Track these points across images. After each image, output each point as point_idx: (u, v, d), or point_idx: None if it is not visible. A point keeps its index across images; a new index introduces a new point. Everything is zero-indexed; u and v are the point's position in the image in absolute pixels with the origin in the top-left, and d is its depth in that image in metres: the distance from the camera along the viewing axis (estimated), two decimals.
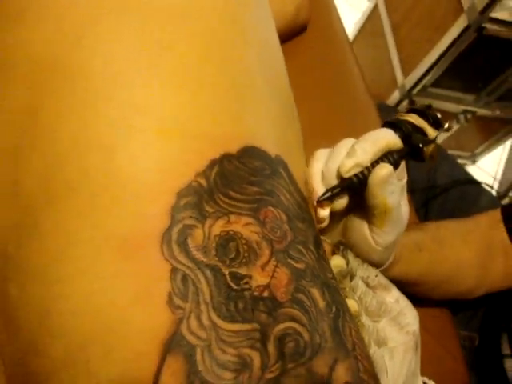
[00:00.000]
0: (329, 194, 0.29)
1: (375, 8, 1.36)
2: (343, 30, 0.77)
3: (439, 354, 0.55)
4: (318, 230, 0.25)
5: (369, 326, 0.30)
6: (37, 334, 0.18)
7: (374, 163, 0.30)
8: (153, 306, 0.17)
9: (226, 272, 0.18)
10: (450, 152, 1.53)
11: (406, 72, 1.16)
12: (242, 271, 0.18)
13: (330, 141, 0.65)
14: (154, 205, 0.18)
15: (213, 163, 0.19)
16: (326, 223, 0.30)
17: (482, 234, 0.56)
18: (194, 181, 0.19)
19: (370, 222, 0.32)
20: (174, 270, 0.17)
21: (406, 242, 0.46)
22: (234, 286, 0.18)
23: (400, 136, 0.32)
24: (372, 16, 1.39)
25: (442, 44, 1.03)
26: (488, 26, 0.96)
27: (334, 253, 0.33)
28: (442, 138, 1.41)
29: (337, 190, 0.29)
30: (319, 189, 0.31)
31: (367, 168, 0.30)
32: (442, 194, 0.72)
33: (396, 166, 0.31)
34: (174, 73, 0.20)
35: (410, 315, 0.32)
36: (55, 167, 0.19)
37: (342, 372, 0.18)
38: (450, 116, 1.28)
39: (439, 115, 0.35)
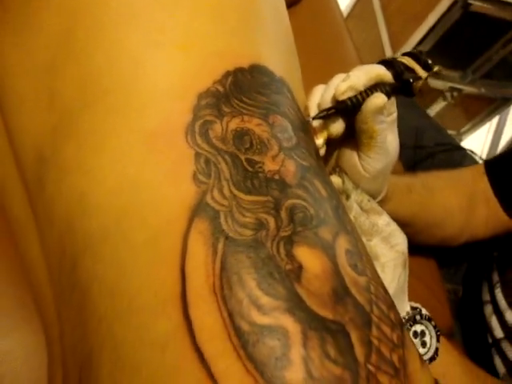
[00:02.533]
0: (324, 113, 0.31)
1: None
2: (336, 2, 0.80)
3: (426, 297, 0.59)
4: (317, 147, 0.28)
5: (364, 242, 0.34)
6: (73, 217, 0.21)
7: (368, 91, 0.33)
8: (180, 182, 0.19)
9: (243, 158, 0.21)
10: None
11: (395, 50, 1.19)
12: (256, 158, 0.21)
13: None
14: (177, 104, 0.21)
15: (228, 74, 0.22)
16: (322, 151, 0.33)
17: (467, 183, 0.60)
18: (213, 86, 0.22)
19: (359, 150, 0.35)
20: (197, 155, 0.20)
21: (398, 184, 0.50)
22: (250, 168, 0.20)
23: (392, 73, 0.35)
24: None
25: (429, 20, 1.06)
26: (473, 2, 1.00)
27: (330, 174, 0.36)
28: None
29: (332, 110, 0.32)
30: (313, 113, 0.33)
31: (361, 94, 0.32)
32: (428, 158, 0.76)
33: (388, 97, 0.33)
34: (188, 4, 0.23)
35: (399, 236, 0.36)
36: (90, 76, 0.22)
37: (343, 241, 0.21)
38: (437, 93, 1.32)
39: (430, 61, 0.38)
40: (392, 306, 0.21)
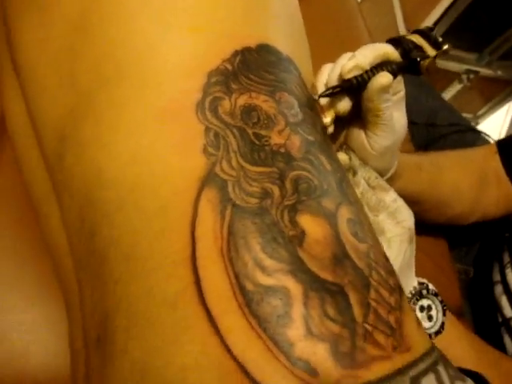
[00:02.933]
0: (330, 90, 0.32)
1: None
2: None
3: (435, 276, 0.59)
4: (323, 124, 0.29)
5: (369, 218, 0.35)
6: (91, 190, 0.22)
7: (374, 70, 0.33)
8: (190, 153, 0.21)
9: (250, 132, 0.22)
10: None
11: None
12: (263, 132, 0.22)
13: None
14: (188, 82, 0.22)
15: (236, 53, 0.23)
16: (330, 130, 0.33)
17: (478, 162, 0.60)
18: (222, 65, 0.23)
19: (366, 128, 0.36)
20: (207, 129, 0.21)
21: (408, 162, 0.50)
22: (257, 142, 0.22)
23: (400, 52, 0.35)
24: None
25: (443, 2, 1.05)
26: None
27: (337, 151, 0.37)
28: (445, 98, 1.44)
29: (337, 88, 0.32)
30: (320, 90, 0.34)
31: (367, 72, 0.32)
32: (440, 138, 0.75)
33: (394, 76, 0.34)
34: None
35: (405, 213, 0.37)
36: (106, 57, 0.23)
37: (345, 211, 0.22)
38: (453, 75, 1.30)
39: (440, 39, 0.38)
40: (391, 272, 0.22)
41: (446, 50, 0.40)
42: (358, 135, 0.37)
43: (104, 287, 0.21)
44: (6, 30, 0.28)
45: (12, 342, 0.39)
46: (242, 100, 0.23)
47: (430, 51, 0.37)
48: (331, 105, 0.34)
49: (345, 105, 0.33)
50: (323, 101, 0.33)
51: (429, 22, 1.10)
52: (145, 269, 0.19)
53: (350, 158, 0.36)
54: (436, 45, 0.38)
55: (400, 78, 0.36)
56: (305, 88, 0.27)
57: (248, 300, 0.18)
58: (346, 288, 0.19)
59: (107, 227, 0.21)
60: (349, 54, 0.35)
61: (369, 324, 0.18)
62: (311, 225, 0.20)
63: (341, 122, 0.36)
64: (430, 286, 0.41)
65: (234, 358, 0.17)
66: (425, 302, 0.41)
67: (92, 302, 0.22)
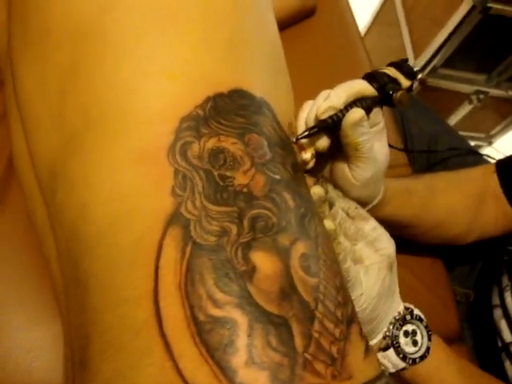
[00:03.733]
0: (306, 133, 0.34)
1: None
2: (351, 14, 0.81)
3: (431, 302, 0.60)
4: (297, 161, 0.30)
5: (346, 247, 0.36)
6: (76, 224, 0.25)
7: (348, 107, 0.35)
8: (160, 194, 0.23)
9: (216, 173, 0.24)
10: (465, 134, 1.55)
11: (417, 54, 1.19)
12: (228, 173, 0.24)
13: None
14: (163, 127, 0.24)
15: (208, 99, 0.25)
16: (311, 164, 0.36)
17: (476, 181, 0.60)
18: (194, 111, 0.25)
19: (348, 162, 0.38)
20: (176, 171, 0.23)
21: (398, 187, 0.52)
22: (221, 183, 0.23)
23: (375, 86, 0.37)
24: (386, 3, 1.42)
25: (449, 25, 1.06)
26: (493, 5, 0.99)
27: (315, 184, 0.39)
28: (456, 119, 1.44)
29: (314, 129, 0.34)
30: (300, 131, 0.36)
31: (341, 111, 0.34)
32: (441, 162, 0.76)
33: (368, 110, 0.36)
34: (179, 32, 0.26)
35: (385, 241, 0.38)
36: (92, 103, 0.25)
37: (301, 246, 0.24)
38: (463, 97, 1.31)
39: (415, 68, 0.41)
40: (341, 305, 0.23)
41: (421, 80, 0.42)
42: (341, 168, 0.39)
43: (85, 314, 0.23)
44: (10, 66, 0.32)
45: (16, 359, 0.42)
46: (211, 143, 0.24)
47: (404, 82, 0.39)
48: (311, 142, 0.36)
49: (323, 143, 0.36)
50: (302, 139, 0.35)
51: (435, 44, 1.11)
52: (118, 299, 0.22)
53: (327, 191, 0.38)
54: (410, 75, 0.40)
55: (377, 110, 0.37)
56: (278, 128, 0.29)
57: (199, 330, 0.20)
58: (290, 320, 0.21)
59: (89, 260, 0.23)
60: (325, 93, 0.37)
61: (309, 354, 0.20)
62: (263, 260, 0.22)
63: (323, 156, 0.38)
64: (416, 311, 0.42)
65: (185, 381, 0.19)
66: (409, 327, 0.42)
67: (76, 326, 0.25)
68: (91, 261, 0.23)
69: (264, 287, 0.21)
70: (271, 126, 0.28)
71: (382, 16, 1.46)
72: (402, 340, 0.41)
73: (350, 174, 0.39)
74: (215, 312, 0.20)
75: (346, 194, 0.40)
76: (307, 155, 0.35)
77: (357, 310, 0.36)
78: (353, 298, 0.35)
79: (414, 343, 0.42)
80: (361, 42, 0.77)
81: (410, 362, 0.40)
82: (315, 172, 0.39)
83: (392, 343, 0.40)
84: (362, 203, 0.42)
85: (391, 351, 0.40)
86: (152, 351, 0.20)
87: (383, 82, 0.38)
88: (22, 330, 0.43)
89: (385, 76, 0.38)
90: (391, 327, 0.40)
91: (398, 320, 0.41)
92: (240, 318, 0.20)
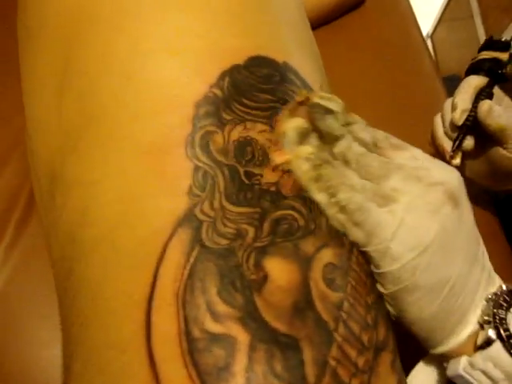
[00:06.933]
0: (456, 145, 0.41)
1: None
2: (407, 1, 0.75)
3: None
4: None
5: (363, 185, 0.23)
6: (75, 228, 0.22)
7: (475, 103, 0.40)
8: (174, 194, 0.20)
9: (242, 170, 0.21)
10: None
11: None
12: (255, 170, 0.21)
13: (388, 112, 0.64)
14: (174, 116, 0.21)
15: (223, 74, 0.22)
16: (459, 163, 0.41)
17: None
18: (210, 92, 0.21)
19: (500, 145, 0.40)
20: (196, 168, 0.20)
21: None
22: (246, 181, 0.20)
23: (483, 74, 0.42)
24: None
25: None
26: None
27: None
28: None
29: (459, 137, 0.41)
30: (448, 147, 0.42)
31: (472, 110, 0.40)
32: None
33: (491, 96, 0.41)
34: (178, 2, 0.23)
35: (438, 171, 0.24)
36: (88, 95, 0.23)
37: (328, 254, 0.20)
38: None
39: (503, 39, 0.44)
40: (370, 327, 0.20)
41: None
42: (496, 152, 0.41)
43: (71, 329, 0.21)
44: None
45: (35, 376, 0.41)
46: (236, 133, 0.21)
47: (503, 56, 0.43)
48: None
49: (470, 142, 0.41)
50: (448, 146, 0.42)
51: (510, 32, 1.00)
52: (107, 309, 0.19)
53: (336, 116, 0.24)
54: (504, 48, 0.43)
55: (497, 91, 0.41)
56: None
57: (192, 347, 0.17)
58: (302, 342, 0.17)
59: (84, 266, 0.21)
60: (449, 103, 0.43)
61: None
62: (278, 269, 0.19)
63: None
64: None
65: None
66: None
67: (64, 344, 0.22)
68: (85, 267, 0.21)
69: (274, 300, 0.18)
70: None
71: (451, 11, 1.36)
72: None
73: (507, 152, 0.40)
74: (213, 327, 0.17)
75: (509, 173, 0.42)
76: (457, 161, 0.41)
77: (396, 271, 0.22)
78: (379, 245, 0.22)
79: None
80: (417, 29, 0.70)
81: None
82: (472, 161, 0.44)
83: (498, 333, 0.23)
84: None
85: (498, 347, 0.23)
86: (136, 373, 0.17)
87: (487, 67, 0.42)
88: (43, 347, 0.42)
89: (485, 61, 0.43)
90: (491, 306, 0.24)
91: (500, 295, 0.24)
92: (241, 336, 0.17)
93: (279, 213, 0.20)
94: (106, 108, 0.22)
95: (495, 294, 0.24)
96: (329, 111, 0.23)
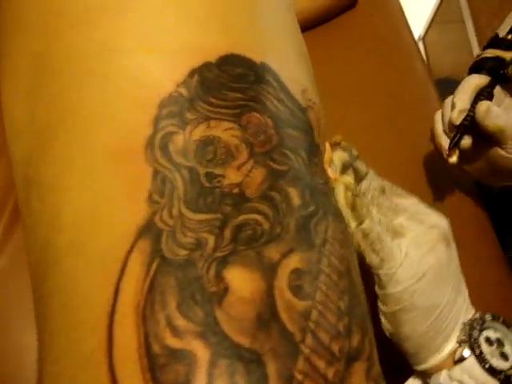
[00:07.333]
0: (452, 143, 0.40)
1: None
2: (397, 3, 0.75)
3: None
4: (315, 140, 0.24)
5: (380, 219, 0.30)
6: (49, 233, 0.21)
7: (474, 104, 0.39)
8: (135, 202, 0.19)
9: (202, 172, 0.19)
10: None
11: (482, 46, 1.09)
12: (217, 171, 0.20)
13: (381, 113, 0.64)
14: (138, 116, 0.20)
15: (192, 72, 0.21)
16: (456, 162, 0.41)
17: None
18: (175, 91, 0.20)
19: (499, 145, 0.40)
20: (155, 172, 0.19)
21: None
22: (207, 184, 0.19)
23: (485, 73, 0.41)
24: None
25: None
26: None
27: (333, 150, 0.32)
28: None
29: (456, 137, 0.40)
30: (445, 144, 0.42)
31: (470, 109, 0.40)
32: None
33: (491, 96, 0.40)
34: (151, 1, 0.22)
35: (433, 216, 0.32)
36: (59, 95, 0.22)
37: (295, 259, 0.19)
38: None
39: (509, 37, 0.43)
40: (341, 336, 0.18)
41: None
42: (495, 152, 0.41)
43: (43, 338, 0.20)
44: None
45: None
46: (199, 132, 0.20)
47: (506, 55, 0.42)
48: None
49: (467, 142, 0.41)
50: (446, 144, 0.42)
51: (501, 34, 1.00)
52: (75, 321, 0.18)
53: (354, 159, 0.31)
54: (508, 46, 0.42)
55: (498, 91, 0.41)
56: (288, 99, 0.23)
57: (152, 364, 0.16)
58: (266, 356, 0.16)
59: (56, 273, 0.20)
60: (449, 101, 0.42)
61: None
62: (239, 279, 0.18)
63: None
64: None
65: None
66: (492, 334, 0.31)
67: (38, 348, 0.22)
68: (57, 274, 0.20)
69: (236, 313, 0.17)
70: (277, 97, 0.22)
71: (443, 13, 1.36)
72: (486, 348, 0.30)
73: (505, 152, 0.40)
74: (173, 342, 0.16)
75: (507, 171, 0.42)
76: (454, 159, 0.41)
77: (398, 292, 0.29)
78: (389, 270, 0.29)
79: (503, 356, 0.30)
80: (408, 31, 0.70)
81: (503, 376, 0.29)
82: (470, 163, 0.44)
83: (472, 350, 0.29)
84: None
85: (472, 361, 0.29)
86: None
87: (489, 66, 0.41)
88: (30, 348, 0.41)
89: (488, 60, 0.42)
90: (467, 328, 0.30)
91: (474, 321, 0.31)
92: (201, 352, 0.16)
93: (242, 218, 0.19)
94: (75, 109, 0.21)
95: (471, 319, 0.31)
96: (354, 155, 0.30)
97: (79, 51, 0.22)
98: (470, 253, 0.51)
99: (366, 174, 0.32)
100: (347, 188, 0.28)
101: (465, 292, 0.32)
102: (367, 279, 0.28)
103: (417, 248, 0.29)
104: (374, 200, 0.31)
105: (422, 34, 1.49)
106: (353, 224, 0.28)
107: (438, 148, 0.45)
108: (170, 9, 0.22)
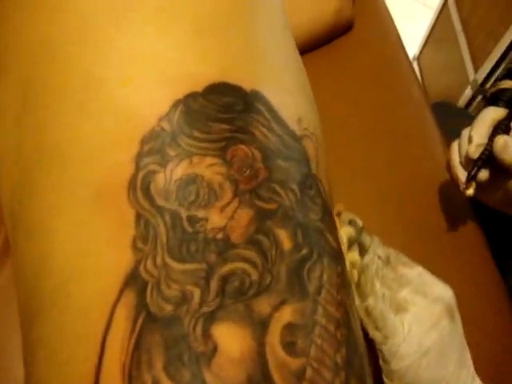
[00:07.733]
0: (470, 177, 0.40)
1: (444, 6, 1.30)
2: (393, 26, 0.76)
3: (497, 356, 0.51)
4: (310, 171, 0.23)
5: (383, 294, 0.30)
6: (35, 278, 0.20)
7: (491, 137, 0.40)
8: (120, 248, 0.18)
9: (184, 216, 0.18)
10: None
11: (477, 67, 1.09)
12: (200, 214, 0.18)
13: (380, 139, 0.63)
14: (120, 154, 0.19)
15: (177, 104, 0.19)
16: (472, 194, 0.41)
17: None
18: (157, 125, 0.19)
19: None
20: (138, 216, 0.18)
21: None
22: (189, 229, 0.18)
23: (502, 104, 0.41)
24: (442, 15, 1.33)
25: (506, 36, 0.96)
26: None
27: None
28: None
29: (474, 170, 0.40)
30: (463, 177, 0.42)
31: (488, 143, 0.40)
32: None
33: (508, 130, 0.40)
34: (134, 19, 0.20)
35: (437, 287, 0.32)
36: (43, 128, 0.21)
37: (287, 312, 0.18)
38: None
39: None
40: None
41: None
42: (511, 184, 0.41)
43: (29, 380, 0.19)
44: None
45: None
46: (180, 170, 0.19)
47: None
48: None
49: (484, 175, 0.41)
50: (463, 176, 0.42)
51: (496, 55, 1.00)
52: (59, 375, 0.17)
53: (359, 232, 0.32)
54: None
55: None
56: (280, 127, 0.22)
57: None
58: None
59: (43, 322, 0.19)
60: (466, 133, 0.42)
61: None
62: (228, 337, 0.16)
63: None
64: None
65: None
66: None
67: None
68: (44, 324, 0.19)
69: (225, 375, 0.16)
70: (267, 127, 0.21)
71: (437, 32, 1.37)
72: None
73: None
74: None
75: None
76: (470, 191, 0.41)
77: (403, 368, 0.29)
78: (392, 346, 0.29)
79: None
80: (404, 54, 0.71)
81: None
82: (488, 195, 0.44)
83: None
84: None
85: None
86: None
87: (507, 98, 0.41)
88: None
89: (506, 91, 0.42)
90: None
91: None
92: None
93: (228, 267, 0.18)
94: (58, 145, 0.20)
95: None
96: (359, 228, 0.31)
97: (63, 84, 0.21)
98: (470, 280, 0.50)
99: (370, 246, 0.33)
100: (353, 266, 0.29)
101: (469, 363, 0.31)
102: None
103: (420, 324, 0.29)
104: (379, 272, 0.32)
105: (417, 53, 1.50)
106: (357, 301, 0.30)
107: (454, 179, 0.45)
108: (157, 35, 0.21)
